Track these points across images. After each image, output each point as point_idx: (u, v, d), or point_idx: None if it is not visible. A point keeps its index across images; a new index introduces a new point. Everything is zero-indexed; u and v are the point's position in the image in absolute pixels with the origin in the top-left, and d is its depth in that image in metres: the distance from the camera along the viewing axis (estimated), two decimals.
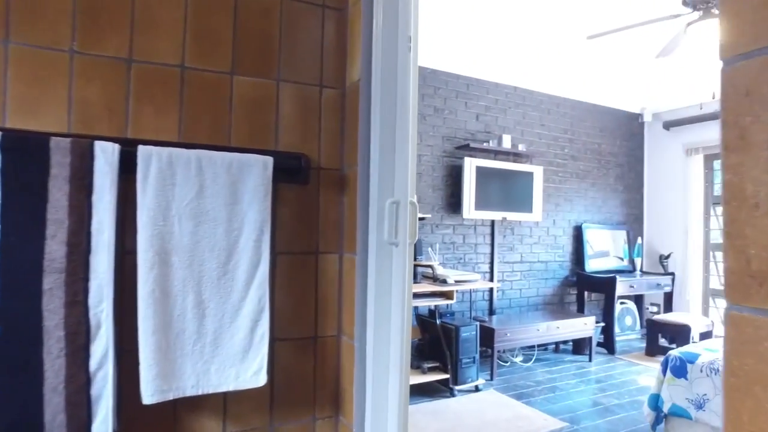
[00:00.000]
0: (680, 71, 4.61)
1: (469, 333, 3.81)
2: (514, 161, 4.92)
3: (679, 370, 2.87)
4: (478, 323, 3.95)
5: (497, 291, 4.90)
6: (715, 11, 3.23)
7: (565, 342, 4.94)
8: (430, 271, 3.98)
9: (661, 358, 4.96)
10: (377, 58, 1.48)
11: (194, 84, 1.38)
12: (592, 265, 5.40)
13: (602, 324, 5.01)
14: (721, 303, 5.58)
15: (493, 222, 4.86)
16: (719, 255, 5.66)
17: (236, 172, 1.34)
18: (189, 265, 1.24)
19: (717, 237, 5.69)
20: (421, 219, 4.16)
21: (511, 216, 4.84)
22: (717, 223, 5.68)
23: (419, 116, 4.48)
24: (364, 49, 1.52)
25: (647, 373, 4.39)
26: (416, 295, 3.62)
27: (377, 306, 1.48)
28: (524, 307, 5.11)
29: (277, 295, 1.49)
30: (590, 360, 4.72)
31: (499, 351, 4.26)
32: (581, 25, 3.68)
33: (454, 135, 4.67)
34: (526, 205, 4.92)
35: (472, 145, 4.57)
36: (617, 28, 3.46)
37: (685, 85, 5.05)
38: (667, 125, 5.84)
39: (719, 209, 6.05)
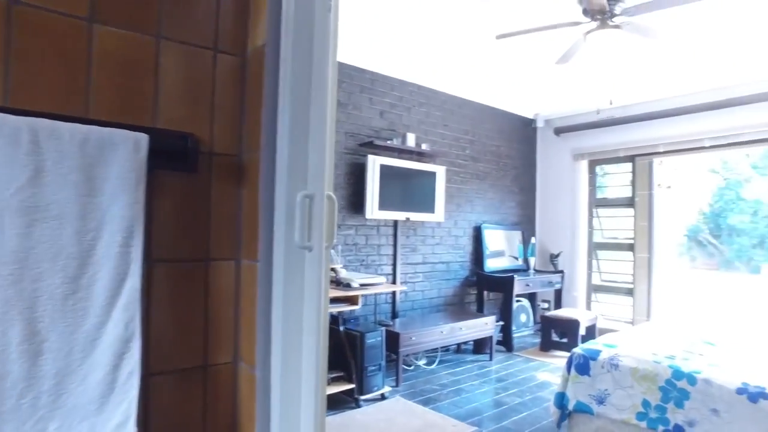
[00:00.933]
0: (571, 80, 4.77)
1: (375, 339, 3.59)
2: (418, 161, 4.80)
3: (583, 367, 2.86)
4: (383, 328, 3.74)
5: (400, 293, 4.74)
6: (612, 22, 3.32)
7: (466, 342, 4.92)
8: (333, 274, 3.70)
9: (556, 353, 5.23)
10: (288, 17, 1.18)
11: (29, 26, 0.99)
12: (490, 265, 5.45)
13: (501, 323, 5.06)
14: (603, 297, 5.91)
15: (396, 222, 4.70)
16: (601, 253, 6.01)
17: (94, 152, 0.97)
18: (16, 282, 0.86)
19: (599, 236, 6.03)
20: None
21: (414, 216, 4.71)
22: (599, 223, 6.02)
23: None
24: (271, 6, 1.21)
25: (544, 369, 4.47)
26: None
27: (285, 325, 1.18)
28: (427, 308, 5.01)
29: (152, 316, 1.13)
30: (491, 359, 4.73)
31: (404, 356, 4.10)
32: (486, 27, 3.61)
33: (358, 132, 4.44)
34: (428, 206, 4.82)
35: (376, 142, 4.36)
36: (522, 30, 3.43)
37: (575, 94, 5.26)
38: (558, 131, 6.08)
39: (601, 211, 6.45)
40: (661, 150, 5.27)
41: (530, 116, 6.17)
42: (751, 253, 18.32)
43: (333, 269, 3.69)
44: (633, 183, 5.56)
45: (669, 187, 7.90)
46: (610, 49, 3.73)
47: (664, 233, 5.64)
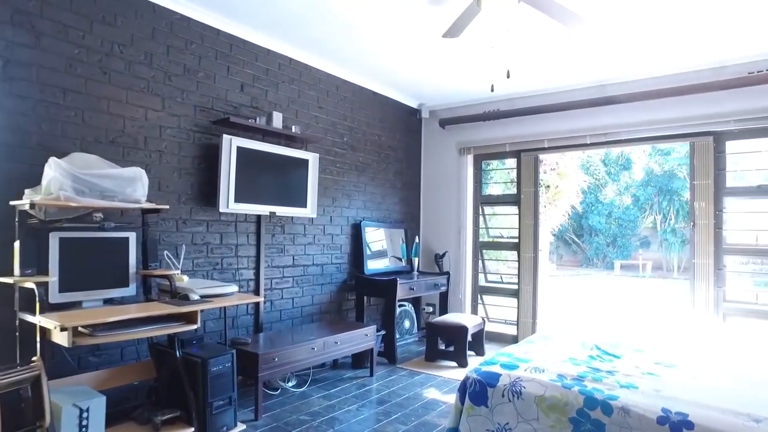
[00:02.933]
0: (458, 65, 4.32)
1: (223, 366, 2.75)
2: (287, 145, 4.02)
3: (479, 396, 2.30)
4: (235, 350, 2.91)
5: (265, 302, 3.93)
6: None
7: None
8: (166, 283, 2.81)
9: (442, 363, 4.63)
10: None
11: None
12: (371, 267, 4.83)
13: (383, 332, 4.44)
14: (489, 299, 5.56)
15: (259, 218, 3.88)
16: (487, 253, 5.67)
17: None
18: None
19: (485, 235, 5.69)
20: (154, 211, 2.96)
21: (282, 211, 3.93)
22: (485, 222, 5.68)
23: (161, 73, 3.27)
24: None
25: (430, 384, 3.92)
26: (143, 321, 2.43)
27: None
28: (298, 318, 4.24)
29: None
30: (371, 374, 4.08)
31: (264, 381, 3.30)
32: None
33: (211, 106, 3.56)
34: (299, 199, 4.07)
35: (234, 120, 3.52)
36: None
37: (462, 83, 4.84)
38: (443, 123, 5.64)
39: (487, 209, 6.15)
40: (546, 145, 5.02)
41: (415, 105, 5.67)
42: (606, 251, 19.85)
43: (166, 277, 2.80)
44: (518, 179, 5.28)
45: (547, 186, 7.92)
46: (506, 24, 3.27)
47: (542, 233, 5.42)
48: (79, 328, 2.25)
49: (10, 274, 2.42)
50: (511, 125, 5.16)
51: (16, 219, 2.46)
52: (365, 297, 4.75)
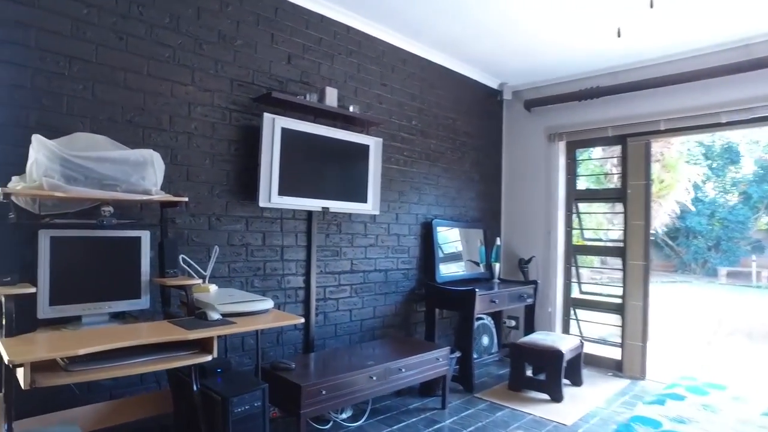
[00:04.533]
0: (550, 32, 3.45)
1: (251, 405, 2.11)
2: (343, 128, 3.35)
3: None
4: (268, 384, 2.24)
5: (317, 315, 3.28)
6: None
7: None
8: (182, 294, 2.21)
9: (531, 395, 3.48)
10: None
11: None
12: (443, 273, 4.05)
13: (458, 354, 3.66)
14: (584, 314, 4.61)
15: (310, 214, 3.23)
16: (582, 259, 4.72)
17: None
18: None
19: (579, 237, 4.74)
20: (172, 205, 2.36)
21: (337, 206, 3.25)
22: (579, 221, 4.73)
23: (189, 40, 2.69)
24: None
25: (516, 424, 3.09)
26: (144, 348, 1.82)
27: None
28: (356, 334, 3.56)
29: None
30: (443, 405, 3.31)
31: (309, 418, 2.62)
32: None
33: (252, 80, 2.95)
34: (358, 192, 3.38)
35: (278, 95, 2.89)
36: None
37: (552, 54, 3.95)
38: (529, 105, 4.75)
39: (583, 206, 5.17)
40: (662, 127, 4.00)
41: (495, 85, 4.81)
42: (707, 255, 17.55)
43: (182, 288, 2.19)
44: (624, 171, 4.29)
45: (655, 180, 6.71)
46: None
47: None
48: (59, 359, 1.67)
49: None
50: (616, 104, 4.18)
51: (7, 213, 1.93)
52: (437, 309, 3.98)
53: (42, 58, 2.24)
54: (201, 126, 2.73)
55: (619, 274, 4.29)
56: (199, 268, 2.45)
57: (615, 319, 4.33)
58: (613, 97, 4.17)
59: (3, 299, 1.76)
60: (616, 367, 4.19)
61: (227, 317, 2.10)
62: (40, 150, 1.91)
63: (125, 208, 2.41)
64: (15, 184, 1.98)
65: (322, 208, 3.15)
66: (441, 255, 4.09)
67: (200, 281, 2.26)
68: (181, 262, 2.32)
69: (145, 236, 2.25)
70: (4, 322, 1.77)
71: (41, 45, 2.23)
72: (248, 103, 2.92)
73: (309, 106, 3.05)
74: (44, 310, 2.00)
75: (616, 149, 4.47)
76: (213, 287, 2.44)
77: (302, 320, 2.18)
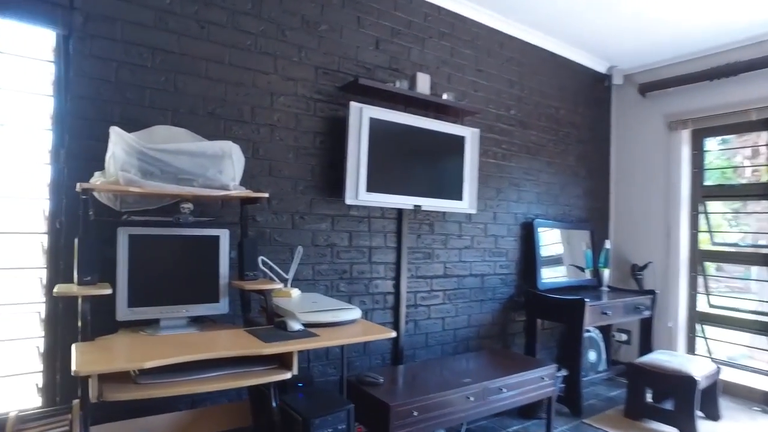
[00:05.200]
0: (666, 8, 2.92)
1: (334, 429, 1.85)
2: (437, 117, 3.04)
3: None
4: (347, 410, 1.97)
5: (407, 323, 2.99)
6: None
7: None
8: (261, 298, 2.00)
9: (653, 425, 2.95)
10: None
11: None
12: (545, 278, 3.60)
13: (564, 373, 3.20)
14: (714, 332, 3.92)
15: (400, 213, 2.95)
16: (712, 267, 4.03)
17: None
18: None
19: (707, 242, 4.05)
20: (252, 201, 2.17)
21: (430, 204, 2.94)
22: (707, 223, 4.05)
23: (272, 26, 2.50)
24: None
25: None
26: (216, 363, 1.61)
27: None
28: (449, 344, 3.23)
29: None
30: (548, 430, 2.89)
31: None
32: None
33: (337, 67, 2.73)
34: (452, 189, 3.04)
35: (365, 82, 2.64)
36: None
37: (674, 27, 3.37)
38: (644, 89, 4.16)
39: (712, 204, 4.45)
40: None
41: (603, 70, 4.26)
42: None
43: (261, 292, 1.99)
44: None
45: None
46: None
47: None
48: (133, 372, 1.51)
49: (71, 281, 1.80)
50: (759, 82, 3.50)
51: (81, 210, 1.83)
52: (538, 320, 3.54)
53: (126, 50, 2.14)
54: (284, 117, 2.54)
55: (766, 287, 3.60)
56: (281, 271, 2.25)
57: (760, 340, 3.63)
58: (756, 73, 3.49)
59: (79, 300, 1.64)
60: (764, 401, 3.48)
61: (310, 327, 1.86)
62: (117, 143, 1.78)
63: (204, 205, 2.27)
64: (96, 180, 1.88)
65: (414, 206, 2.86)
66: (542, 258, 3.64)
67: (281, 285, 2.04)
68: (261, 265, 2.12)
69: (223, 235, 2.07)
70: (79, 325, 1.64)
71: (126, 37, 2.13)
72: (333, 92, 2.70)
73: (399, 93, 2.77)
74: (123, 311, 1.87)
75: (759, 136, 3.76)
76: (295, 292, 2.23)
77: (393, 334, 1.89)
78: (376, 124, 2.66)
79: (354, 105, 2.59)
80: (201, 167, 1.89)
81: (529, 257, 3.62)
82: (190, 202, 2.04)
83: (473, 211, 3.17)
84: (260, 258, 2.11)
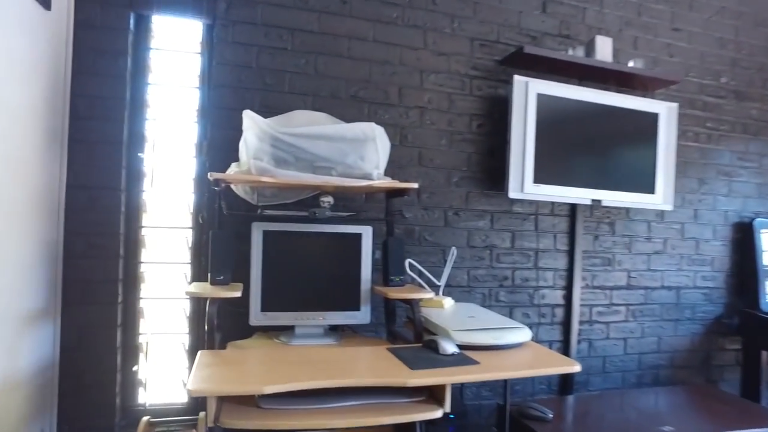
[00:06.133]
0: None
1: None
2: (619, 91, 2.42)
3: None
4: None
5: (579, 342, 2.42)
6: None
7: None
8: (412, 312, 1.64)
9: None
10: None
11: None
12: None
13: None
14: None
15: (573, 209, 2.39)
16: None
17: None
18: None
19: None
20: (399, 194, 1.82)
21: (612, 198, 2.33)
22: None
23: None
24: None
25: None
26: (343, 390, 1.28)
27: None
28: (632, 373, 2.56)
29: None
30: None
31: None
32: None
33: (496, 37, 2.28)
34: (641, 180, 2.39)
35: (531, 51, 2.15)
36: None
37: None
38: None
39: None
40: None
41: None
42: None
43: (408, 301, 1.63)
44: None
45: None
46: None
47: None
48: (257, 397, 1.26)
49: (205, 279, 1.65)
50: None
51: (218, 204, 1.66)
52: (761, 351, 2.67)
53: (266, 34, 1.96)
54: (435, 98, 2.17)
55: None
56: (432, 276, 1.88)
57: None
58: None
59: (207, 303, 1.45)
60: None
61: (466, 349, 1.46)
62: (250, 128, 1.57)
63: (344, 198, 2.00)
64: (231, 171, 1.70)
65: (592, 200, 2.28)
66: (765, 268, 2.76)
67: (431, 294, 1.67)
68: (408, 268, 1.76)
69: (366, 233, 1.77)
70: (206, 329, 1.45)
71: (266, 20, 1.95)
72: (493, 67, 2.26)
73: (573, 63, 2.22)
74: (256, 316, 1.67)
75: None
76: (448, 302, 1.84)
77: (577, 368, 1.40)
78: (544, 102, 2.16)
79: (518, 79, 2.12)
80: (340, 153, 1.60)
81: (745, 268, 2.76)
82: (330, 194, 1.78)
83: (668, 208, 2.47)
84: (407, 261, 1.76)
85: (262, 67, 1.96)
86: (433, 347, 1.45)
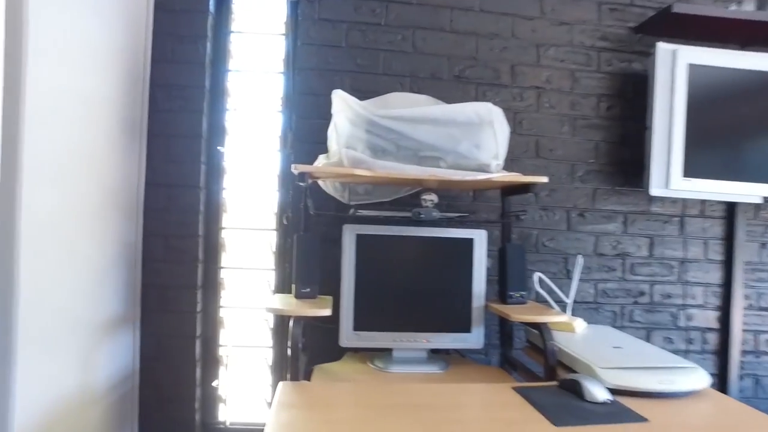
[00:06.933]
0: None
1: None
2: None
3: None
4: None
5: (741, 378, 1.92)
6: None
7: None
8: (540, 337, 1.29)
9: None
10: None
11: None
12: None
13: None
14: None
15: (732, 208, 1.90)
16: None
17: None
18: None
19: None
20: (519, 190, 1.46)
21: None
22: None
23: None
24: None
25: None
26: None
27: None
28: None
29: None
30: None
31: None
32: None
33: (630, 0, 1.86)
34: None
35: (681, 9, 1.71)
36: None
37: None
38: None
39: None
40: None
41: None
42: None
43: (535, 326, 1.28)
44: None
45: None
46: None
47: None
48: None
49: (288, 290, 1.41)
50: None
51: (304, 202, 1.41)
52: None
53: (357, 8, 1.70)
54: (555, 76, 1.79)
55: None
56: (560, 291, 1.51)
57: None
58: None
59: (290, 322, 1.20)
60: None
61: (619, 394, 1.09)
62: (341, 111, 1.31)
63: (446, 195, 1.68)
64: (319, 163, 1.45)
65: (764, 198, 1.79)
66: None
67: (564, 316, 1.30)
68: (538, 284, 1.41)
69: (479, 238, 1.44)
70: (288, 353, 1.20)
71: None
72: (626, 36, 1.84)
73: (739, 22, 1.74)
74: (347, 335, 1.40)
75: None
76: (580, 324, 1.46)
77: (747, 359, 1.00)
78: (698, 74, 1.71)
79: (663, 47, 1.69)
80: (450, 140, 1.29)
81: None
82: (433, 191, 1.47)
83: None
84: (537, 275, 1.41)
85: (353, 45, 1.70)
86: (575, 389, 1.10)
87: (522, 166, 1.74)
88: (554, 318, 1.26)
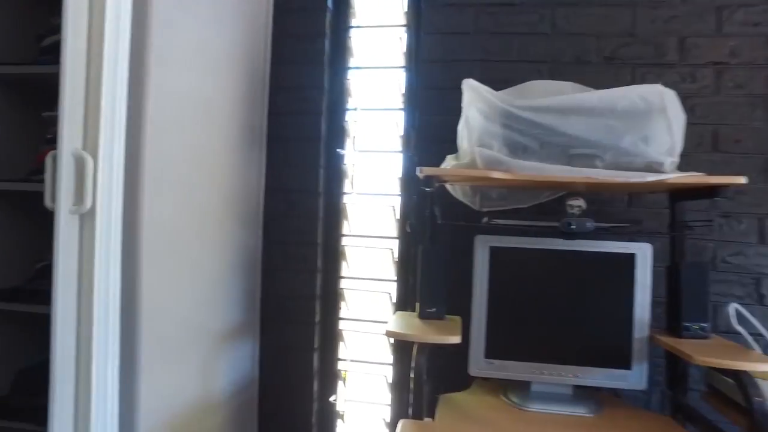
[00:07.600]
0: None
1: None
2: None
3: None
4: None
5: None
6: None
7: None
8: (732, 385, 0.99)
9: None
10: None
11: None
12: None
13: None
14: None
15: None
16: None
17: None
18: None
19: None
20: (696, 194, 1.15)
21: None
22: None
23: None
24: None
25: None
26: None
27: None
28: None
29: None
30: None
31: None
32: None
33: None
34: None
35: None
36: None
37: None
38: None
39: None
40: None
41: None
42: None
43: (735, 374, 0.97)
44: None
45: None
46: None
47: None
48: None
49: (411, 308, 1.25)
50: None
51: (430, 209, 1.25)
52: None
53: None
54: (743, 47, 1.42)
55: None
56: (760, 325, 1.16)
57: None
58: None
59: (414, 349, 1.04)
60: None
61: None
62: (473, 102, 1.12)
63: (595, 200, 1.41)
64: (447, 165, 1.28)
65: None
66: None
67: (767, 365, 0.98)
68: (734, 318, 1.10)
69: (643, 254, 1.16)
70: (411, 387, 1.04)
71: None
72: None
73: None
74: (477, 364, 1.21)
75: None
76: (760, 360, 1.12)
77: None
78: None
79: None
80: (609, 133, 1.03)
81: None
82: (580, 195, 1.22)
83: None
84: (734, 306, 1.10)
85: (482, 31, 1.50)
86: None
87: (695, 163, 1.40)
88: (760, 366, 0.94)
